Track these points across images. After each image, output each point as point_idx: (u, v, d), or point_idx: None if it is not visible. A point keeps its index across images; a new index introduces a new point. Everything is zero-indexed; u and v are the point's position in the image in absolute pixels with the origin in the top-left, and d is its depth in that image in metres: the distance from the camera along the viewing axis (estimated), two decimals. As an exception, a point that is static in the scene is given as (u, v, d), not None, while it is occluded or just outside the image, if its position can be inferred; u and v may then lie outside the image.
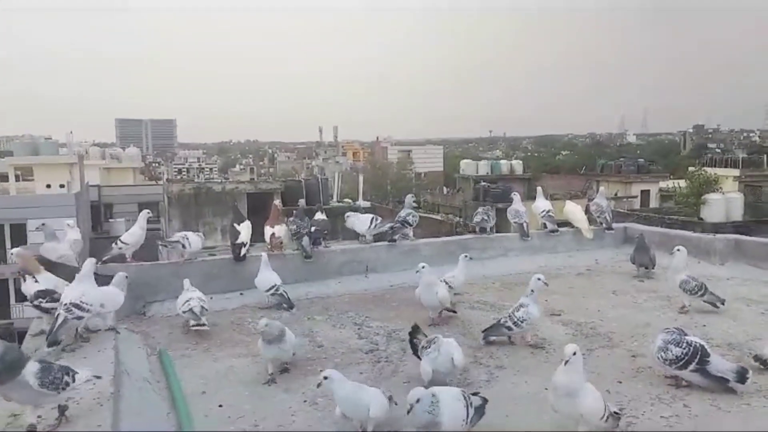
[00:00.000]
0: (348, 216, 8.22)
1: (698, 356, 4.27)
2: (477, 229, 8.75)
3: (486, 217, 8.70)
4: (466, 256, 6.88)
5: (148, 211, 7.25)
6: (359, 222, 8.09)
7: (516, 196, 9.06)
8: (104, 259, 6.84)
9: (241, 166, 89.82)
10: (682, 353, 4.29)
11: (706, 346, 4.34)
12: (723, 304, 6.20)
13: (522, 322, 5.27)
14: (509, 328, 5.31)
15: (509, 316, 5.35)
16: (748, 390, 4.32)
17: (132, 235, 6.96)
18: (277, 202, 8.07)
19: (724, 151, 63.58)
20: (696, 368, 4.28)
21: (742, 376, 4.27)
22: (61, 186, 33.82)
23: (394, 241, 8.05)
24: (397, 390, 4.51)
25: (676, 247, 6.47)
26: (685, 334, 4.43)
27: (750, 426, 3.96)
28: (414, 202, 8.71)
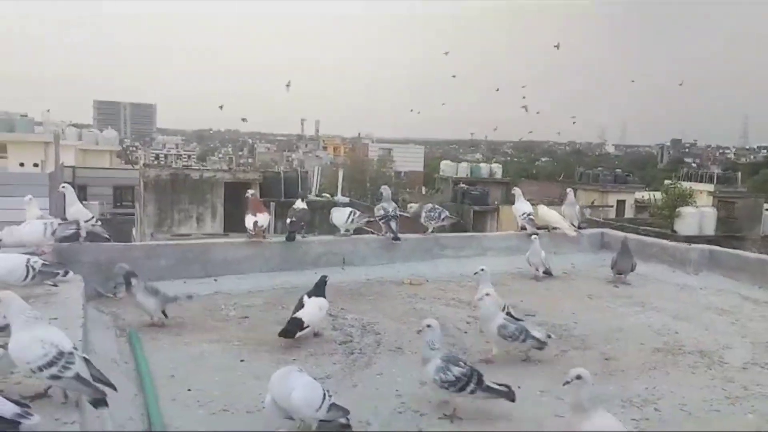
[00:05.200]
0: (333, 211, 7.94)
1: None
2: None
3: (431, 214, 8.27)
4: None
5: (29, 196, 6.54)
6: (337, 215, 7.90)
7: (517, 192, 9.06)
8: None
9: (220, 155, 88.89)
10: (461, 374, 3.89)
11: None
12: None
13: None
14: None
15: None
16: (719, 396, 4.36)
17: None
18: (252, 191, 7.90)
19: (700, 166, 64.70)
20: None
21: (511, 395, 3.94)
22: (35, 165, 33.10)
23: (398, 239, 7.86)
24: (370, 382, 4.49)
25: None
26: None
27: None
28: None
